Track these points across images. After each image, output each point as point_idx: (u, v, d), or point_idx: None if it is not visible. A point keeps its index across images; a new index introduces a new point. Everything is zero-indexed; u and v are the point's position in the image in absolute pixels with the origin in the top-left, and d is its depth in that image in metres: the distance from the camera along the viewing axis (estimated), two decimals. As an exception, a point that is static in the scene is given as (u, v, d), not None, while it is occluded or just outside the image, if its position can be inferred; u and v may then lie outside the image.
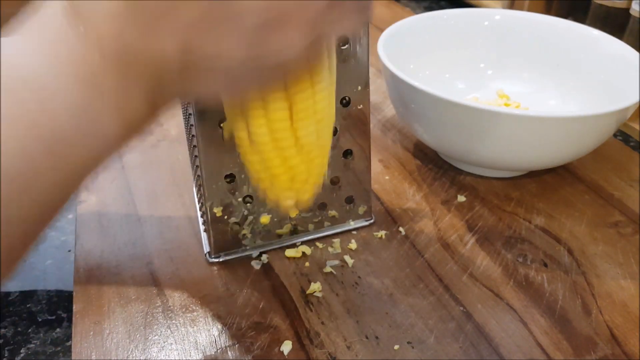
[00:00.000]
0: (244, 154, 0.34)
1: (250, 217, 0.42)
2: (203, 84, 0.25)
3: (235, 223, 0.41)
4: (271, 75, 0.26)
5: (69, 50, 0.22)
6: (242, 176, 0.40)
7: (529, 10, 0.77)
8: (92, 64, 0.22)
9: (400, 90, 0.49)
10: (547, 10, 0.79)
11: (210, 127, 0.37)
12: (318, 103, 0.32)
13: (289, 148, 0.33)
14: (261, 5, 0.22)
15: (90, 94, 0.22)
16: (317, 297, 0.40)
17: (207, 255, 0.43)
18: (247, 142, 0.33)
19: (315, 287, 0.40)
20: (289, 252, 0.43)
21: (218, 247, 0.42)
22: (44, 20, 0.23)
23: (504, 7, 0.85)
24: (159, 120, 0.27)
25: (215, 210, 0.40)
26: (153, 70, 0.23)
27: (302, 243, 0.44)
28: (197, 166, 0.40)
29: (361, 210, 0.46)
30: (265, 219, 0.42)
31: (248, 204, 0.41)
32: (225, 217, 0.41)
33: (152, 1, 0.21)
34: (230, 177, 0.40)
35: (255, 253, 0.43)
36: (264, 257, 0.43)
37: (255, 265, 0.42)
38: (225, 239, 0.42)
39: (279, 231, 0.43)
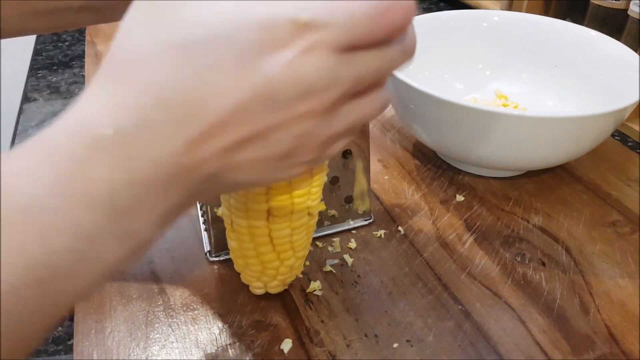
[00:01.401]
0: (227, 233, 0.37)
1: None
2: (226, 187, 0.25)
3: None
4: (311, 159, 0.26)
5: (84, 172, 0.21)
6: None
7: (527, 11, 0.77)
8: (111, 186, 0.21)
9: (400, 90, 0.49)
10: (545, 11, 0.79)
11: None
12: (295, 205, 0.33)
13: (263, 244, 0.35)
14: (307, 121, 0.23)
15: (97, 222, 0.21)
16: (317, 296, 0.40)
17: (208, 254, 0.43)
18: (229, 225, 0.35)
19: (315, 285, 0.40)
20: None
21: (218, 246, 0.42)
22: (61, 136, 0.21)
23: (502, 8, 0.85)
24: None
25: (215, 209, 0.40)
26: (180, 187, 0.22)
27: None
28: None
29: (360, 209, 0.46)
30: None
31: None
32: None
33: (207, 116, 0.21)
34: None
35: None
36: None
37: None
38: (225, 238, 0.42)
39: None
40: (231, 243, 0.37)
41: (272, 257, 0.36)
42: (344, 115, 0.24)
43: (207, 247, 0.43)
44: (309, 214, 0.35)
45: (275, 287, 0.38)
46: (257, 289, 0.38)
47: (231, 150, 0.22)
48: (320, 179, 0.34)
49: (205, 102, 0.21)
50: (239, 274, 0.41)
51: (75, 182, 0.20)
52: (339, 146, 0.27)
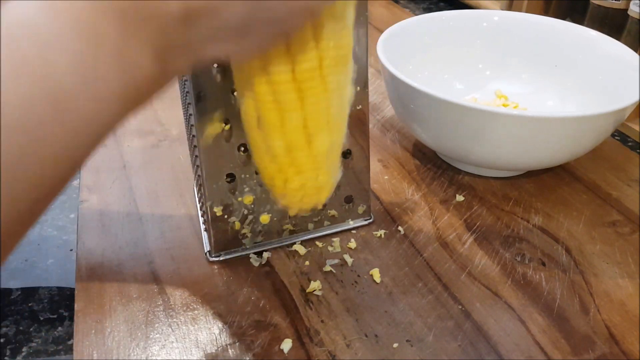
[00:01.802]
0: (251, 135, 0.33)
1: (251, 217, 0.42)
2: (208, 41, 0.24)
3: (236, 222, 0.42)
4: (274, 30, 0.25)
5: (69, 3, 0.21)
6: (242, 176, 0.40)
7: (527, 11, 0.78)
8: (92, 13, 0.21)
9: (400, 90, 0.49)
10: (545, 11, 0.79)
11: (211, 127, 0.37)
12: (325, 68, 0.30)
13: (294, 119, 0.31)
14: None
15: (90, 44, 0.21)
16: (317, 296, 0.40)
17: (208, 254, 0.43)
18: (254, 119, 0.32)
19: (315, 285, 0.40)
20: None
21: (218, 246, 0.42)
22: None
23: (502, 8, 0.85)
24: (171, 84, 0.25)
25: (215, 209, 0.40)
26: (157, 24, 0.22)
27: (301, 242, 0.44)
28: (197, 166, 0.40)
29: (360, 209, 0.46)
30: (265, 218, 0.42)
31: (250, 204, 0.41)
32: (226, 216, 0.41)
33: None
34: (231, 177, 0.40)
35: (253, 252, 0.43)
36: (265, 254, 0.43)
37: (255, 263, 0.42)
38: (225, 238, 0.42)
39: (278, 230, 0.44)
40: (263, 157, 0.34)
41: (302, 141, 0.33)
42: None
43: (207, 247, 0.43)
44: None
45: (315, 191, 0.36)
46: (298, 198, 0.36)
47: None
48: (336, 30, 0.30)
49: None
50: (239, 273, 0.42)
51: (63, 11, 0.21)
52: None
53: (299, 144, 0.32)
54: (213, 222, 0.41)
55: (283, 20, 0.24)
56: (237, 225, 0.42)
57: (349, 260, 0.43)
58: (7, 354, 0.38)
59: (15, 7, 0.21)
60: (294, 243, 0.44)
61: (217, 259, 0.43)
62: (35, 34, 0.20)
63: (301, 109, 0.31)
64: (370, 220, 0.47)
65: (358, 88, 0.40)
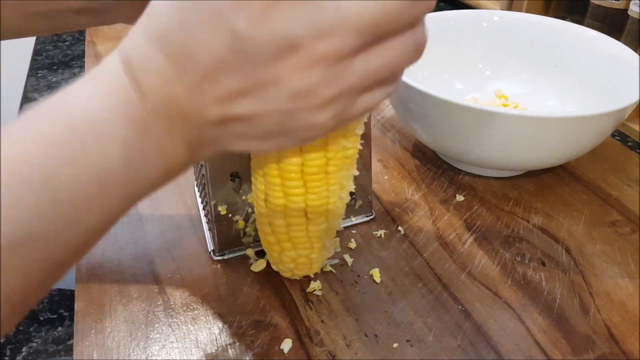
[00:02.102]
0: (257, 206, 0.36)
1: (254, 215, 0.42)
2: (237, 139, 0.27)
3: (239, 221, 0.42)
4: (298, 138, 0.27)
5: (124, 98, 0.25)
6: (246, 174, 0.40)
7: (527, 11, 0.77)
8: (143, 112, 0.25)
9: (399, 90, 0.49)
10: (545, 11, 0.79)
11: None
12: (330, 167, 0.34)
13: (297, 213, 0.35)
14: (298, 78, 0.24)
15: (139, 137, 0.25)
16: (317, 296, 0.40)
17: (212, 253, 0.43)
18: (262, 194, 0.35)
19: (315, 285, 0.40)
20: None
21: (222, 245, 0.42)
22: (105, 71, 0.26)
23: (502, 9, 0.85)
24: (196, 163, 0.28)
25: (220, 208, 0.41)
26: (194, 124, 0.25)
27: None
28: (201, 165, 0.40)
29: (362, 206, 0.46)
30: None
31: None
32: (230, 215, 0.41)
33: (200, 64, 0.23)
34: (235, 176, 0.40)
35: (255, 251, 0.43)
36: (267, 255, 0.43)
37: (256, 269, 0.42)
38: (229, 237, 0.42)
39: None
40: (264, 229, 0.37)
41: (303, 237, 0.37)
42: (355, 66, 0.24)
43: (210, 247, 0.43)
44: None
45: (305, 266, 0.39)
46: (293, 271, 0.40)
47: (228, 100, 0.24)
48: (340, 151, 0.33)
49: (194, 54, 0.23)
50: (239, 273, 0.42)
51: (117, 103, 0.25)
52: (370, 102, 0.26)
53: (298, 225, 0.36)
54: (217, 221, 0.41)
55: (309, 133, 0.26)
56: (241, 223, 0.42)
57: (349, 260, 0.43)
58: (7, 354, 0.38)
59: (79, 99, 0.25)
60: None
61: (221, 257, 0.43)
62: (95, 128, 0.24)
63: (304, 195, 0.34)
64: (372, 217, 0.47)
65: None
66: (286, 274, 0.40)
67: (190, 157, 0.27)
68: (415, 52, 0.26)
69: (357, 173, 0.36)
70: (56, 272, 0.25)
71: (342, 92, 0.24)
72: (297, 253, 0.37)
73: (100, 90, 0.25)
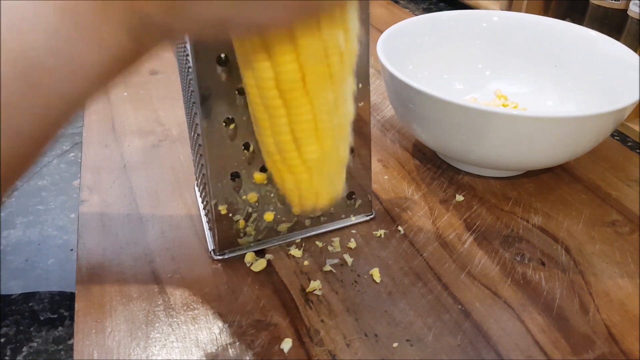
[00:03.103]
0: (253, 110, 0.32)
1: (255, 215, 0.42)
2: (193, 10, 0.23)
3: (240, 220, 0.42)
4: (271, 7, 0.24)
5: None
6: (247, 174, 0.40)
7: (527, 11, 0.78)
8: None
9: (399, 90, 0.49)
10: (545, 12, 0.80)
11: (215, 125, 0.37)
12: (308, 84, 0.30)
13: (299, 101, 0.30)
14: None
15: (68, 23, 0.22)
16: (317, 296, 0.40)
17: (212, 252, 0.43)
18: (255, 93, 0.31)
19: (315, 285, 0.41)
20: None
21: (223, 245, 0.42)
22: None
23: (502, 9, 0.85)
24: (150, 57, 0.26)
25: (220, 208, 0.41)
26: (136, 6, 0.23)
27: (301, 241, 0.44)
28: (201, 165, 0.40)
29: (362, 205, 0.46)
30: (269, 216, 0.43)
31: (253, 202, 0.42)
32: (230, 214, 0.41)
33: None
34: (235, 175, 0.40)
35: (254, 250, 0.43)
36: (267, 256, 0.43)
37: (256, 269, 0.42)
38: (230, 236, 0.42)
39: (279, 228, 0.44)
40: (262, 119, 0.32)
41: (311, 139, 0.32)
42: None
43: (210, 246, 0.43)
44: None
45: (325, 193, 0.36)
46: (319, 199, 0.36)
47: None
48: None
49: None
50: (239, 273, 0.42)
51: None
52: None
53: (287, 147, 0.32)
54: (218, 221, 0.41)
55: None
56: (242, 223, 0.42)
57: (349, 260, 0.43)
58: (8, 354, 0.38)
59: None
60: (295, 241, 0.44)
61: (221, 257, 0.43)
62: (14, 15, 0.21)
63: (286, 116, 0.31)
64: (372, 216, 0.47)
65: (360, 85, 0.40)
66: (296, 209, 0.37)
67: (135, 44, 0.24)
68: None
69: (350, 94, 0.31)
70: None
71: None
72: (296, 179, 0.34)
73: None
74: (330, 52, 0.29)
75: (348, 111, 0.33)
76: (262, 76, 0.29)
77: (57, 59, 0.22)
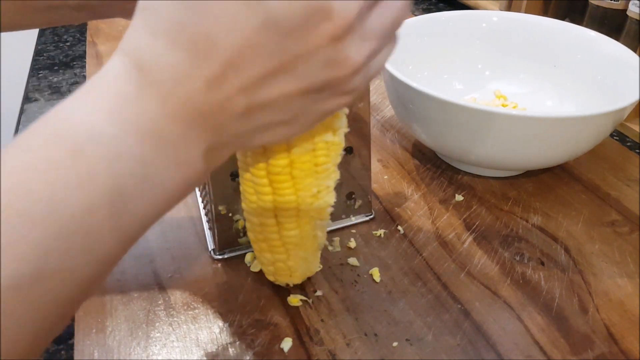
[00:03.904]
0: (243, 190, 0.35)
1: None
2: (261, 131, 0.25)
3: (240, 220, 0.42)
4: (325, 114, 0.26)
5: (134, 107, 0.22)
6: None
7: (527, 11, 0.78)
8: (156, 119, 0.22)
9: (399, 90, 0.49)
10: (545, 12, 0.80)
11: None
12: (295, 170, 0.32)
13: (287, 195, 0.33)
14: (332, 47, 0.22)
15: (152, 148, 0.23)
16: (317, 295, 0.40)
17: (212, 252, 0.43)
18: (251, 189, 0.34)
19: (315, 285, 0.41)
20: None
21: (223, 244, 0.43)
22: (107, 80, 0.23)
23: (501, 9, 0.85)
24: (208, 173, 0.27)
25: (220, 207, 0.41)
26: (215, 122, 0.23)
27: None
28: None
29: (362, 205, 0.46)
30: None
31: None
32: (230, 214, 0.41)
33: (220, 50, 0.22)
34: (235, 175, 0.40)
35: (252, 250, 0.43)
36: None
37: (255, 269, 0.42)
38: (229, 236, 0.42)
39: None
40: (247, 224, 0.36)
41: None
42: (372, 26, 0.23)
43: (211, 246, 0.43)
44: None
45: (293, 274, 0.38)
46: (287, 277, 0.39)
47: (255, 86, 0.22)
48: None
49: (215, 41, 0.21)
50: (239, 272, 0.42)
51: (126, 117, 0.22)
52: (382, 60, 0.25)
53: (270, 226, 0.35)
54: (217, 221, 0.41)
55: (336, 103, 0.25)
56: (242, 223, 0.42)
57: (348, 259, 0.43)
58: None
59: (81, 115, 0.22)
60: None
61: (221, 257, 0.43)
62: (102, 146, 0.22)
63: (272, 195, 0.33)
64: (372, 216, 0.47)
65: None
66: (269, 277, 0.39)
67: (206, 164, 0.25)
68: (407, 5, 0.25)
69: (331, 184, 0.34)
70: (69, 309, 0.23)
71: (370, 52, 0.24)
72: (274, 257, 0.37)
73: (104, 101, 0.22)
74: (317, 147, 0.32)
75: (329, 198, 0.35)
76: (255, 163, 0.32)
77: (140, 186, 0.23)
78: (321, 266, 0.43)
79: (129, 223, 0.23)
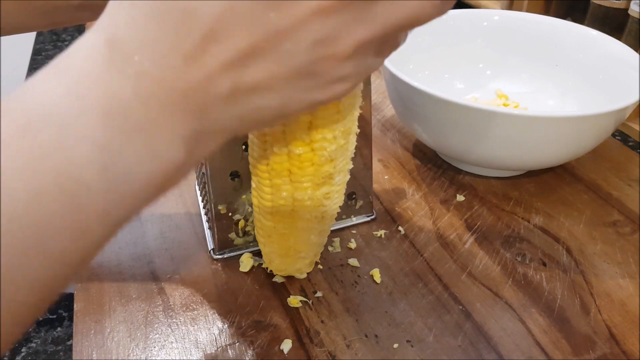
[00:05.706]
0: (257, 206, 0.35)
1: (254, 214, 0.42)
2: (250, 116, 0.22)
3: (240, 220, 0.42)
4: (318, 99, 0.23)
5: (96, 85, 0.20)
6: (246, 174, 0.40)
7: (528, 10, 0.77)
8: (123, 100, 0.20)
9: (400, 90, 0.49)
10: (546, 11, 0.79)
11: None
12: (293, 167, 0.32)
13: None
14: (319, 24, 0.20)
15: (118, 135, 0.20)
16: (317, 296, 0.40)
17: (212, 252, 0.43)
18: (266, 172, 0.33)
19: (315, 286, 0.40)
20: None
21: (222, 244, 0.42)
22: (74, 54, 0.21)
23: (502, 8, 0.85)
24: (195, 166, 0.24)
25: (220, 207, 0.40)
26: (196, 105, 0.21)
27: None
28: (201, 164, 0.40)
29: (363, 206, 0.46)
30: None
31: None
32: (230, 214, 0.41)
33: (200, 21, 0.19)
34: (235, 175, 0.40)
35: (252, 250, 0.43)
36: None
37: (255, 263, 0.42)
38: (229, 235, 0.42)
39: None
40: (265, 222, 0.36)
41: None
42: (377, 11, 0.21)
43: (210, 245, 0.43)
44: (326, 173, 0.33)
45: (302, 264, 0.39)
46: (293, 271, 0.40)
47: (238, 65, 0.20)
48: (348, 116, 0.31)
49: (194, 11, 0.19)
50: (238, 273, 0.41)
51: (89, 95, 0.20)
52: (382, 55, 0.23)
53: (285, 225, 0.35)
54: (217, 220, 0.41)
55: (329, 91, 0.23)
56: (242, 223, 0.42)
57: (349, 260, 0.43)
58: (7, 354, 0.38)
59: (39, 92, 0.20)
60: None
61: (220, 256, 0.42)
62: (57, 126, 0.19)
63: (272, 194, 0.33)
64: (373, 217, 0.47)
65: (360, 84, 0.40)
66: (281, 272, 0.40)
67: (188, 155, 0.22)
68: (435, 5, 0.22)
69: (328, 190, 0.34)
70: (26, 316, 0.20)
71: (366, 38, 0.21)
72: (287, 243, 0.37)
73: (66, 77, 0.20)
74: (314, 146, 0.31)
75: (334, 205, 0.35)
76: (253, 156, 0.32)
77: (103, 175, 0.20)
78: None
79: (88, 219, 0.20)
